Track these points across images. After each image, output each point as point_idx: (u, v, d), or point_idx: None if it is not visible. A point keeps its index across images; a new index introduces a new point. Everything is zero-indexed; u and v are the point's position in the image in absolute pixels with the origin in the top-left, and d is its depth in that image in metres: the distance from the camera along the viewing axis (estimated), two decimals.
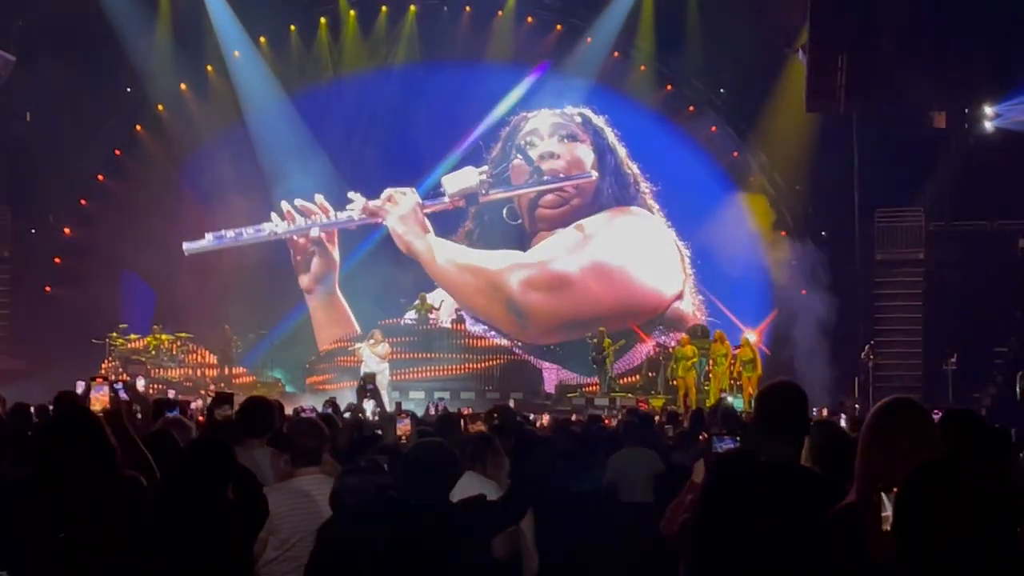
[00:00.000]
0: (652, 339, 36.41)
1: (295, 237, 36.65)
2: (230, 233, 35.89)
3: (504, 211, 37.59)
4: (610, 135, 37.65)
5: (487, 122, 38.04)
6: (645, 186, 37.51)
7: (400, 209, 36.56)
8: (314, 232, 36.42)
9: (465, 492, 6.67)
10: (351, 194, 36.36)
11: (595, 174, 37.33)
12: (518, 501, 6.73)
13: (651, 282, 36.99)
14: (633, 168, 37.58)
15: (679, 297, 37.09)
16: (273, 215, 36.14)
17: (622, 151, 37.62)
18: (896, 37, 30.57)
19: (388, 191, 36.53)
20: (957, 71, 30.72)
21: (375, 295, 35.99)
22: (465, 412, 19.65)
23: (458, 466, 6.66)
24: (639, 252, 37.06)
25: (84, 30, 33.87)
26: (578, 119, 37.81)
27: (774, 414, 5.44)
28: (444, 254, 37.11)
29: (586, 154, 37.65)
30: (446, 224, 37.69)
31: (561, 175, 37.42)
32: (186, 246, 35.71)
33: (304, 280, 37.13)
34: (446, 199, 36.87)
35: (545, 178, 37.39)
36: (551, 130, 37.88)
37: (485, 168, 37.46)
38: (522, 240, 37.63)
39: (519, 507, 6.78)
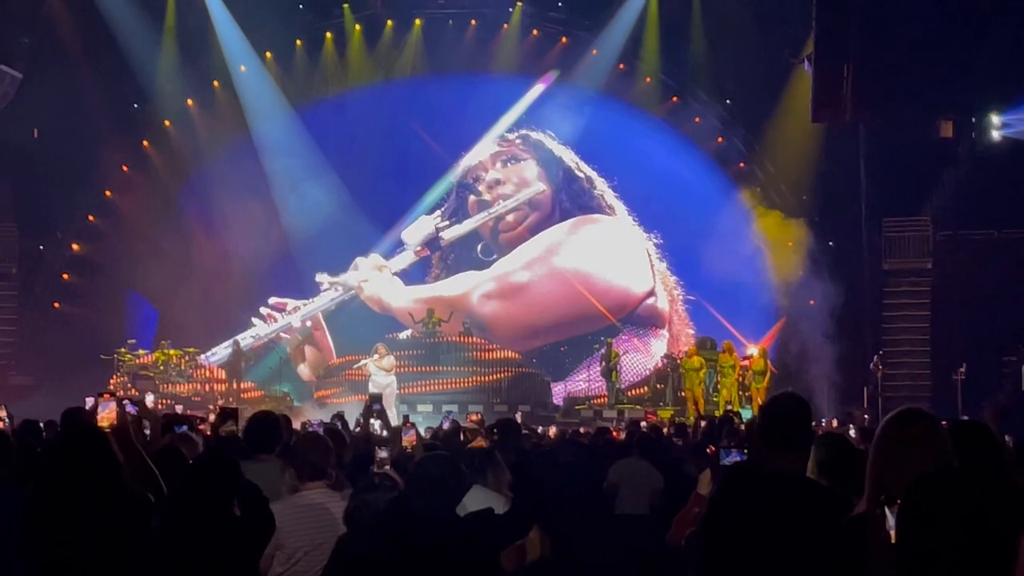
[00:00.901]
0: (627, 333, 36.67)
1: (282, 335, 37.21)
2: (219, 349, 36.15)
3: (479, 248, 38.11)
4: (554, 146, 38.05)
5: (491, 135, 38.19)
6: (601, 184, 37.85)
7: (367, 276, 37.62)
8: (295, 323, 36.88)
9: (472, 505, 6.68)
10: (319, 276, 37.21)
11: (544, 186, 37.83)
12: (522, 515, 6.73)
13: (612, 281, 37.47)
14: (585, 171, 37.87)
15: (651, 294, 37.27)
16: (254, 320, 36.69)
17: (572, 160, 37.92)
18: (902, 47, 30.57)
19: (354, 263, 37.57)
20: (963, 80, 30.71)
21: (370, 328, 36.07)
22: (473, 418, 19.64)
23: (463, 479, 6.66)
24: (597, 254, 37.75)
25: (90, 47, 33.98)
26: (518, 140, 38.19)
27: (777, 426, 5.43)
28: (408, 296, 37.74)
29: (531, 169, 38.30)
30: (414, 276, 38.39)
31: (511, 198, 37.93)
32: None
33: (304, 374, 37.57)
34: (410, 252, 37.71)
35: (497, 203, 37.89)
36: (492, 160, 38.55)
37: (438, 212, 38.07)
38: None
39: (524, 521, 6.79)
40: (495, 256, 38.27)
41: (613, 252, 37.69)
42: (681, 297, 37.37)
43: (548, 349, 37.41)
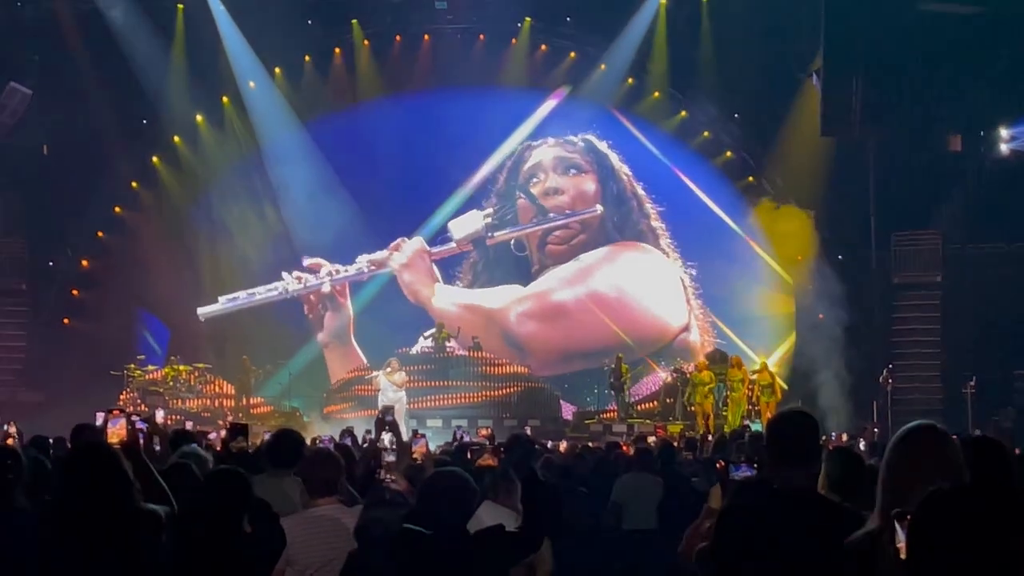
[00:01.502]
0: (661, 368, 36.44)
1: (308, 294, 37.18)
2: (242, 295, 36.55)
3: (512, 242, 37.83)
4: (614, 160, 37.88)
5: (502, 151, 38.15)
6: (650, 207, 37.64)
7: (408, 259, 37.38)
8: (325, 288, 36.93)
9: (484, 521, 6.67)
10: (359, 258, 37.16)
11: (600, 208, 37.59)
12: (533, 531, 6.72)
13: (652, 313, 37.24)
14: (638, 190, 37.74)
15: (685, 329, 37.12)
16: (284, 274, 36.64)
17: (626, 176, 37.83)
18: (910, 61, 30.60)
19: (396, 241, 37.33)
20: (972, 94, 30.74)
21: (392, 324, 36.03)
22: (484, 433, 19.70)
23: (475, 494, 6.66)
24: (639, 284, 37.45)
25: (100, 63, 34.06)
26: (581, 145, 38.01)
27: (785, 442, 5.44)
28: (448, 298, 37.62)
29: (591, 186, 37.94)
30: (452, 259, 38.15)
31: (567, 211, 37.76)
32: (200, 311, 36.28)
33: (320, 336, 37.57)
34: (453, 244, 37.55)
35: (550, 215, 37.75)
36: (554, 163, 38.23)
37: (490, 211, 37.94)
38: (527, 271, 38.04)
39: (535, 537, 6.78)
40: (526, 251, 38.14)
41: (653, 283, 37.47)
42: (714, 338, 37.08)
43: (576, 378, 37.16)
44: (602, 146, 37.96)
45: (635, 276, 37.51)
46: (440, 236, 37.92)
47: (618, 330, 36.64)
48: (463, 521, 6.37)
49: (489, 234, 37.68)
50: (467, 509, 6.45)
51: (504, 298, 37.58)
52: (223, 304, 36.30)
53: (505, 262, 38.01)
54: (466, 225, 37.59)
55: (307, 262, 36.80)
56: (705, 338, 37.08)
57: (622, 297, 37.09)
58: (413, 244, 37.43)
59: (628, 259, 37.67)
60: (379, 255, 37.23)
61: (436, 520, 6.24)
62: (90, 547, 5.88)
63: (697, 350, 36.59)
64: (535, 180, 38.11)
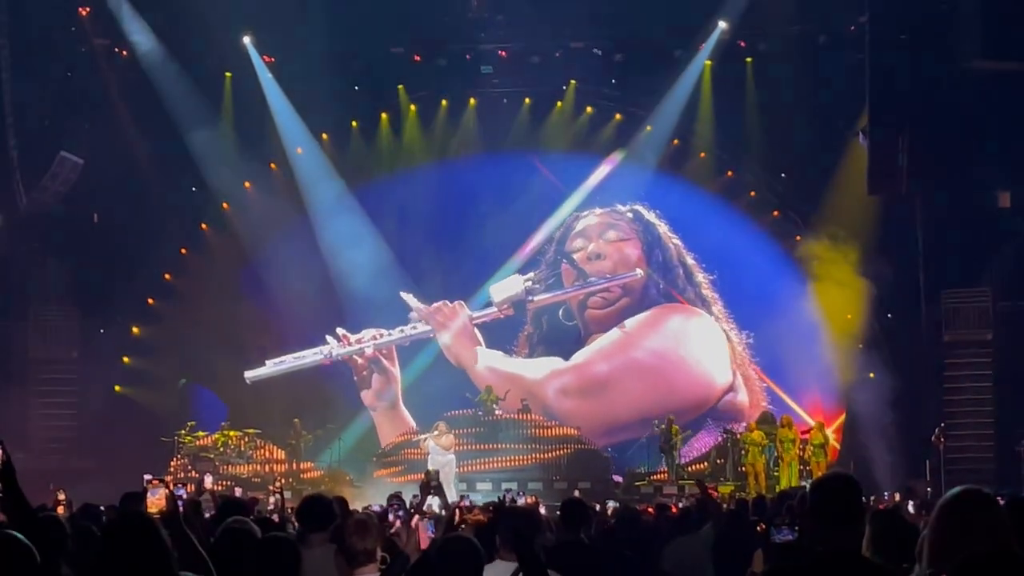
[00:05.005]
0: (709, 429, 36.27)
1: (354, 357, 37.06)
2: (289, 358, 36.44)
3: (560, 312, 37.83)
4: (662, 229, 37.73)
5: (553, 220, 38.20)
6: (701, 277, 37.46)
7: (450, 323, 37.29)
8: (368, 351, 36.85)
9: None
10: (404, 295, 36.92)
11: (640, 272, 37.45)
12: None
13: (694, 377, 36.90)
14: (687, 260, 37.61)
15: (731, 389, 36.81)
16: (329, 337, 36.55)
17: (674, 245, 37.68)
18: (957, 118, 30.52)
19: (437, 304, 37.24)
20: (1020, 150, 30.62)
21: (440, 388, 36.02)
22: (530, 501, 19.65)
23: (482, 558, 6.64)
24: (681, 348, 37.13)
25: (149, 131, 34.46)
26: (629, 215, 38.00)
27: (825, 505, 5.40)
28: (487, 362, 37.47)
29: (633, 252, 37.84)
30: (506, 329, 37.97)
31: (607, 275, 37.64)
32: (248, 374, 36.25)
33: (367, 397, 37.34)
34: (494, 308, 37.38)
35: (590, 279, 37.67)
36: (599, 231, 38.16)
37: (531, 275, 37.79)
38: (580, 341, 37.82)
39: None
40: (575, 321, 38.02)
41: (695, 345, 37.23)
42: (766, 400, 36.75)
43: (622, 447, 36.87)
44: (650, 216, 37.86)
45: (676, 339, 37.18)
46: (486, 300, 37.91)
47: (660, 399, 36.25)
48: None
49: (529, 298, 37.59)
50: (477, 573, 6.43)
51: (543, 370, 37.44)
52: (270, 367, 36.35)
53: (558, 332, 37.91)
54: (505, 289, 37.49)
55: (353, 337, 36.81)
56: (754, 399, 36.76)
57: (663, 364, 36.73)
58: (454, 307, 37.40)
59: (669, 322, 37.42)
60: (423, 314, 37.21)
61: None
62: None
63: (746, 411, 36.34)
64: (579, 247, 38.10)
